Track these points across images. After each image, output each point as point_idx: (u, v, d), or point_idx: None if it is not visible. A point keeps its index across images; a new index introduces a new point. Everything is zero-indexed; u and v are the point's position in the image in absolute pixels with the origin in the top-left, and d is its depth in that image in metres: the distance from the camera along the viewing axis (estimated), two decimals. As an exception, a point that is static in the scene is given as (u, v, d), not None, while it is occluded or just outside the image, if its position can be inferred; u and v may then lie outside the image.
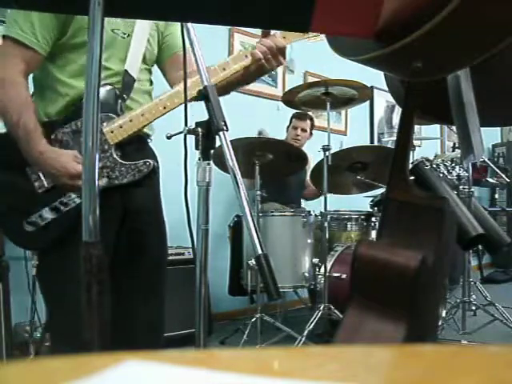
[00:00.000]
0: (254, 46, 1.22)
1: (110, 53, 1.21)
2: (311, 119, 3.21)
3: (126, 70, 1.24)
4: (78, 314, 1.12)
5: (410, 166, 1.10)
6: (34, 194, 1.15)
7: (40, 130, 1.12)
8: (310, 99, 2.52)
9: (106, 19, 0.65)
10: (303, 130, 3.17)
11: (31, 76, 1.22)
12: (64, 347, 1.11)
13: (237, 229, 2.74)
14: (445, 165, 2.21)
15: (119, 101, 1.22)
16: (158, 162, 1.26)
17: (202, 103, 0.88)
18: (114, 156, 1.19)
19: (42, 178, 1.16)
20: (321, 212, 2.57)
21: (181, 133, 0.92)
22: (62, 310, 1.16)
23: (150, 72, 1.36)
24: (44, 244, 1.17)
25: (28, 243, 1.20)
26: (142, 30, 1.28)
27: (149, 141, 1.34)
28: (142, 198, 1.27)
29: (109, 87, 1.20)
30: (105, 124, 1.17)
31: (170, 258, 2.41)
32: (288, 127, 3.24)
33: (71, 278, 1.12)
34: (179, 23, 0.96)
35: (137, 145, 1.26)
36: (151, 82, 1.37)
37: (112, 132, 1.18)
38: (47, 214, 1.14)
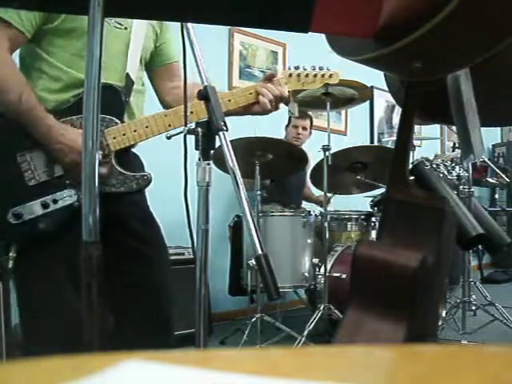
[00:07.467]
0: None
1: (109, 47, 1.16)
2: (310, 118, 3.23)
3: (127, 73, 1.21)
4: (51, 315, 1.12)
5: (410, 166, 1.10)
6: (23, 184, 1.10)
7: (43, 105, 1.09)
8: (310, 99, 2.51)
9: None
10: (304, 129, 3.18)
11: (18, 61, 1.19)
12: (38, 347, 1.08)
13: (237, 229, 2.74)
14: (445, 165, 2.21)
15: (123, 105, 1.19)
16: (144, 170, 1.24)
17: (202, 103, 0.88)
18: (113, 163, 1.16)
19: (33, 169, 1.11)
20: (321, 212, 2.58)
21: (181, 133, 0.92)
22: (36, 311, 1.14)
23: (143, 71, 1.32)
24: (25, 238, 1.11)
25: (8, 235, 1.11)
26: (140, 27, 1.24)
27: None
28: (132, 204, 1.25)
29: (114, 88, 1.16)
30: (109, 128, 1.14)
31: (170, 257, 2.42)
32: (287, 126, 3.25)
33: (47, 279, 1.11)
34: (177, 32, 0.95)
35: (126, 151, 1.23)
36: (143, 83, 1.33)
37: (114, 138, 1.15)
38: (35, 208, 1.09)
